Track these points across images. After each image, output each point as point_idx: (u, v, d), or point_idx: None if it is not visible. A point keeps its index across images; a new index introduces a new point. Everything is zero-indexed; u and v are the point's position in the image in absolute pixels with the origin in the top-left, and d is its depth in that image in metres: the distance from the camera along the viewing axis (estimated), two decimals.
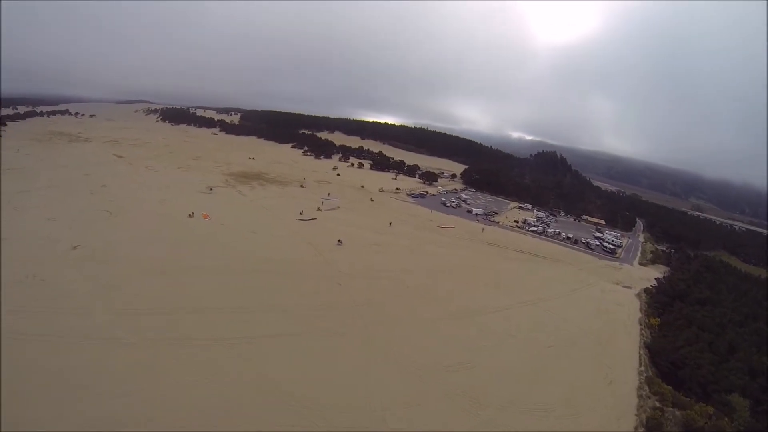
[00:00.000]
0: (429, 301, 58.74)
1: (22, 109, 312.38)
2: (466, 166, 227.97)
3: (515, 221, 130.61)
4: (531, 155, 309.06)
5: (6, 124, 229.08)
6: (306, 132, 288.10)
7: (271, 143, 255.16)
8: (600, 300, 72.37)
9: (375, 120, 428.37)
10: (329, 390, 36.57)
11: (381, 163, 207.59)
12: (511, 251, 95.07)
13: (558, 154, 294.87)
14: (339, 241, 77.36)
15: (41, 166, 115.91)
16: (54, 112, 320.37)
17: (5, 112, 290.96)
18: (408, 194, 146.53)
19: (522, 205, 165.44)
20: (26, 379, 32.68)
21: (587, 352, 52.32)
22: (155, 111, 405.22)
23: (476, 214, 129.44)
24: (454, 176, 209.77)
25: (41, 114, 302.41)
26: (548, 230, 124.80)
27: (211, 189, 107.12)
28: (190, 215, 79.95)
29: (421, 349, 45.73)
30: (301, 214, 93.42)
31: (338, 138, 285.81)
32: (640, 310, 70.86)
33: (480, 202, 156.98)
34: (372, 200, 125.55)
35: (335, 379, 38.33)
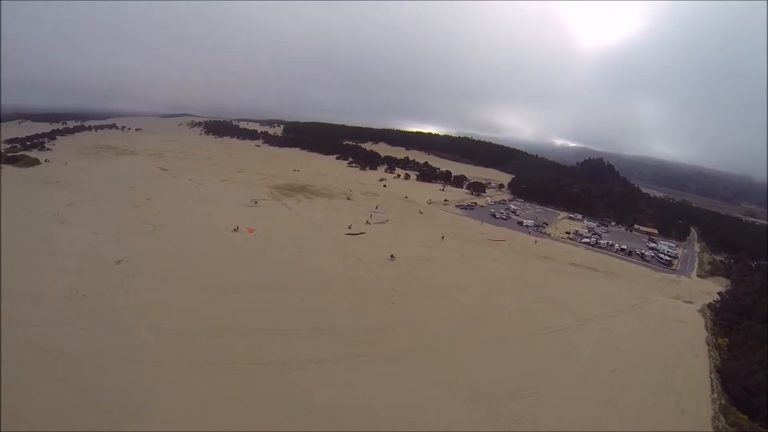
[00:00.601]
0: (485, 321, 55.67)
1: (71, 124, 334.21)
2: (513, 176, 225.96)
3: (566, 232, 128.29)
4: (577, 163, 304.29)
5: (56, 138, 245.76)
6: (350, 143, 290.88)
7: (315, 155, 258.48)
8: (661, 317, 67.49)
9: (419, 130, 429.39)
10: (385, 421, 33.93)
11: (427, 174, 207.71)
12: (564, 265, 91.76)
13: (605, 162, 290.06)
14: (392, 256, 75.64)
15: (88, 179, 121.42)
16: (101, 126, 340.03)
17: (55, 126, 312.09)
18: (456, 206, 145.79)
19: (572, 216, 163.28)
20: (57, 399, 32.00)
21: (654, 376, 47.87)
22: (199, 124, 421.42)
23: (527, 226, 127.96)
24: (501, 186, 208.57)
25: (89, 128, 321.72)
26: (601, 241, 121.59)
27: (255, 202, 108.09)
28: (234, 229, 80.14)
29: (480, 373, 42.68)
30: (349, 228, 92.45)
31: (383, 149, 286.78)
32: (706, 328, 65.21)
33: (529, 212, 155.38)
34: (421, 213, 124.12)
35: (391, 407, 35.69)
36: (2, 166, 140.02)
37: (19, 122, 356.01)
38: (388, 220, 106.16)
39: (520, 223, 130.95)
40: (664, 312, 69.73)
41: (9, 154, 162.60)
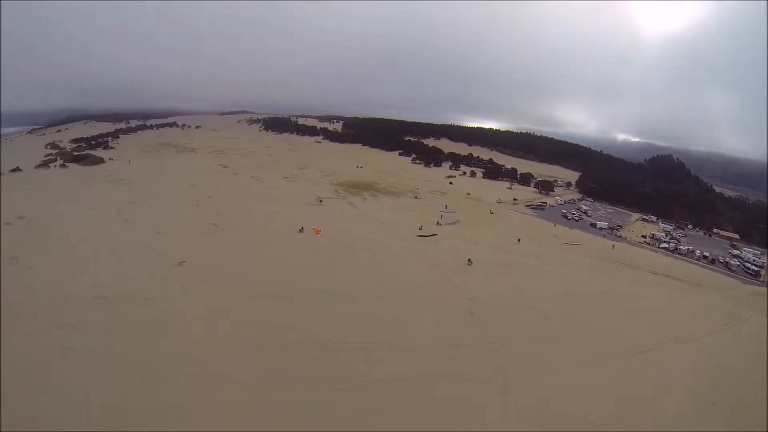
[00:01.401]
0: (571, 337, 51.06)
1: (133, 123, 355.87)
2: (578, 173, 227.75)
3: (642, 236, 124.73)
4: (645, 160, 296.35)
5: (119, 137, 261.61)
6: (412, 139, 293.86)
7: (377, 151, 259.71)
8: (759, 339, 60.10)
9: (479, 126, 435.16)
10: None
11: (493, 172, 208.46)
12: (644, 272, 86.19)
13: (675, 158, 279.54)
14: (469, 261, 72.32)
15: (149, 177, 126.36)
16: (163, 125, 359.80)
17: (119, 126, 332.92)
18: (526, 205, 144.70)
19: (646, 217, 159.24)
20: (117, 409, 31.08)
21: (760, 415, 41.71)
22: (257, 121, 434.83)
23: (600, 228, 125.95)
24: (569, 185, 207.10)
25: (151, 127, 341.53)
26: (681, 247, 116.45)
27: (321, 200, 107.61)
28: (300, 230, 79.02)
29: (572, 400, 38.38)
30: (420, 229, 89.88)
31: (445, 145, 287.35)
32: None
33: (601, 213, 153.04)
34: (491, 213, 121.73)
35: None
36: (68, 164, 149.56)
37: (84, 122, 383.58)
38: (459, 221, 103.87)
39: (593, 225, 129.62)
40: (759, 333, 63.13)
41: (75, 153, 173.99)
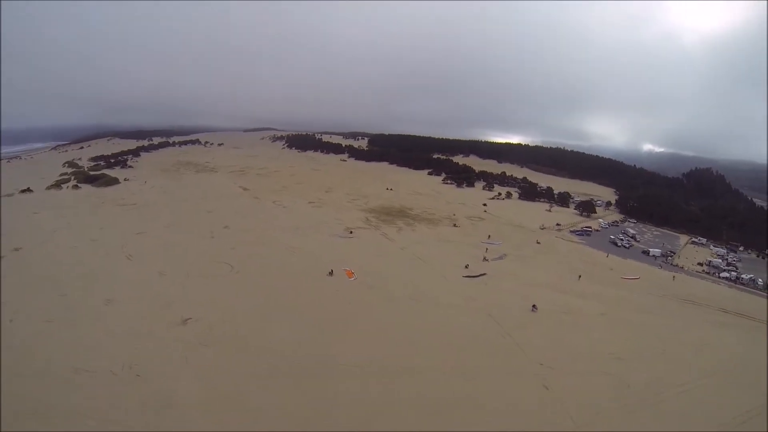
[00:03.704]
0: (659, 412, 41.20)
1: (157, 140, 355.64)
2: (612, 189, 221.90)
3: (699, 264, 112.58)
4: (683, 174, 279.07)
5: (140, 155, 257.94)
6: (441, 157, 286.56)
7: (405, 170, 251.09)
8: None
9: (508, 141, 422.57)
10: None
11: (529, 192, 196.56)
12: (714, 312, 74.47)
13: (714, 171, 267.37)
14: (534, 307, 62.64)
15: (164, 201, 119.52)
16: (185, 142, 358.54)
17: (141, 143, 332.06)
18: (571, 231, 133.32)
19: (695, 240, 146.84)
20: None
21: None
22: (281, 138, 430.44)
23: (654, 256, 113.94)
24: (609, 204, 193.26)
25: (174, 144, 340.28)
26: (742, 276, 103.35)
27: (351, 232, 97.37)
28: (329, 273, 68.55)
29: None
30: (466, 267, 78.92)
31: (474, 162, 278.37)
32: None
33: (648, 237, 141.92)
34: (538, 243, 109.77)
35: None
36: (81, 185, 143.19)
37: (108, 139, 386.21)
38: (505, 255, 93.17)
39: (645, 252, 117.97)
40: None
41: (91, 173, 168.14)
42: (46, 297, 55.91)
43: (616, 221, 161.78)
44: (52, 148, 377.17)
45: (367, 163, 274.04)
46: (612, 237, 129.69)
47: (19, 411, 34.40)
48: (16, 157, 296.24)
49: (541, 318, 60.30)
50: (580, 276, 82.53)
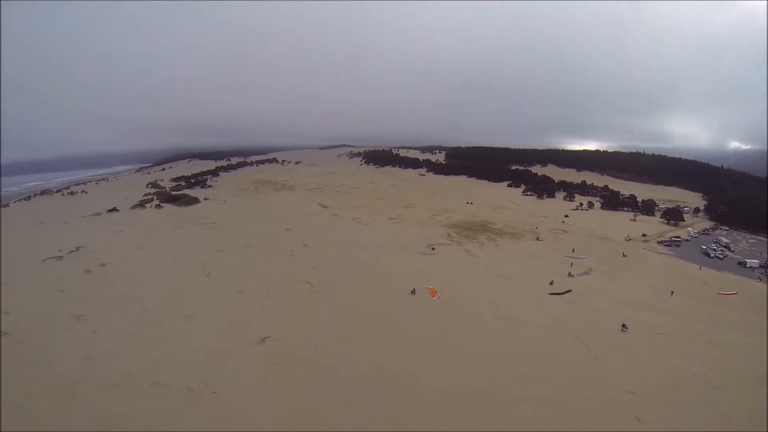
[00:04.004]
0: None
1: (234, 160, 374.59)
2: (699, 194, 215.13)
3: None
4: None
5: (219, 175, 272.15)
6: (519, 168, 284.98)
7: (484, 183, 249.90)
8: None
9: (585, 148, 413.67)
10: None
11: (612, 201, 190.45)
12: None
13: None
14: (623, 326, 59.27)
15: (243, 219, 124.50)
16: (262, 161, 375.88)
17: (220, 163, 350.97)
18: (659, 242, 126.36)
19: None
20: None
21: None
22: (358, 154, 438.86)
23: (751, 267, 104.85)
24: (697, 211, 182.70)
25: (251, 164, 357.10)
26: None
27: (433, 248, 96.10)
28: (412, 292, 67.53)
29: None
30: (551, 284, 75.88)
31: (553, 172, 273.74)
32: None
33: (743, 246, 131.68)
34: (624, 255, 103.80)
35: None
36: (163, 205, 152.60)
37: (188, 161, 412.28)
38: (591, 269, 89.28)
39: (742, 263, 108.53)
40: None
41: (172, 193, 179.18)
42: (129, 311, 59.20)
43: (707, 229, 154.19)
44: (135, 170, 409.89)
45: (446, 177, 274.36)
46: (703, 247, 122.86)
47: (95, 420, 36.19)
48: (103, 179, 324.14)
49: (631, 339, 56.75)
50: (672, 292, 77.44)
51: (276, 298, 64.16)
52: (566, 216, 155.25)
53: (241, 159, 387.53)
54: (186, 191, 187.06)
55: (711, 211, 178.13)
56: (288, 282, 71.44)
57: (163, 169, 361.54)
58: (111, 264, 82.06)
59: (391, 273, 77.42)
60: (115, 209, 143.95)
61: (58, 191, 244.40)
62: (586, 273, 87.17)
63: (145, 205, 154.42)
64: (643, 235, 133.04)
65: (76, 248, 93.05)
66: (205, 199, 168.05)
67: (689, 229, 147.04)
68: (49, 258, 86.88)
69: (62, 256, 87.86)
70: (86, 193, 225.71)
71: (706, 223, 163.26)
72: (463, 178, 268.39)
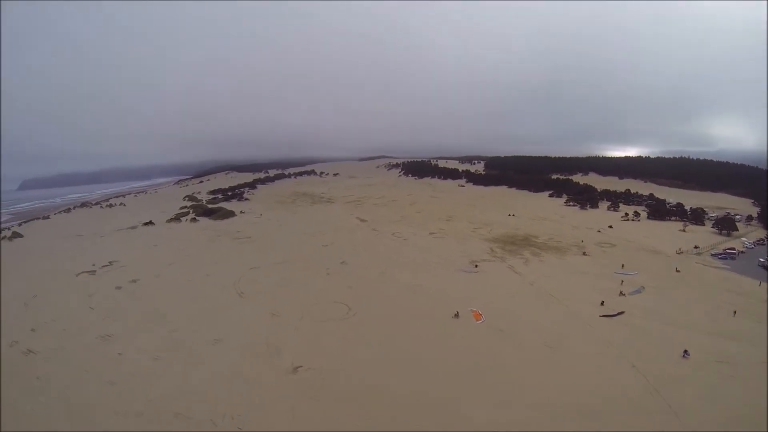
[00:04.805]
0: None
1: (272, 172, 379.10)
2: (749, 200, 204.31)
3: None
4: None
5: (257, 187, 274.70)
6: (560, 177, 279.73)
7: (525, 193, 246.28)
8: None
9: (627, 155, 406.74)
10: None
11: (658, 210, 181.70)
12: None
13: None
14: (685, 352, 54.33)
15: (280, 234, 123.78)
16: (301, 173, 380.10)
17: (258, 176, 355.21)
18: (712, 254, 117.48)
19: None
20: None
21: None
22: (396, 165, 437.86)
23: None
24: (750, 218, 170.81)
25: (289, 176, 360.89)
26: None
27: (476, 265, 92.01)
28: (455, 315, 63.84)
29: None
30: (602, 305, 70.97)
31: (595, 180, 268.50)
32: None
33: None
34: (678, 271, 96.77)
35: None
36: (199, 218, 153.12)
37: (226, 173, 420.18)
38: (643, 287, 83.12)
39: None
40: None
41: (208, 206, 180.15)
42: (157, 332, 58.21)
43: (762, 239, 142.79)
44: (174, 183, 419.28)
45: (486, 188, 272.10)
46: (761, 260, 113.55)
47: None
48: (142, 192, 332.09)
49: (692, 369, 51.19)
50: (735, 312, 71.28)
51: (311, 322, 61.58)
52: (610, 227, 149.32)
53: (279, 171, 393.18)
54: (222, 204, 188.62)
55: (765, 219, 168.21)
56: (324, 303, 68.99)
57: (201, 182, 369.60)
58: (142, 280, 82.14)
59: (432, 293, 73.87)
60: (150, 222, 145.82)
61: (97, 203, 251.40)
62: (638, 291, 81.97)
63: (181, 218, 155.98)
64: (695, 247, 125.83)
65: (110, 263, 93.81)
66: (241, 212, 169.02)
67: (743, 239, 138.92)
68: (83, 272, 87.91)
69: (95, 271, 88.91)
70: (124, 205, 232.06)
71: (760, 232, 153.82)
72: (503, 188, 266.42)
